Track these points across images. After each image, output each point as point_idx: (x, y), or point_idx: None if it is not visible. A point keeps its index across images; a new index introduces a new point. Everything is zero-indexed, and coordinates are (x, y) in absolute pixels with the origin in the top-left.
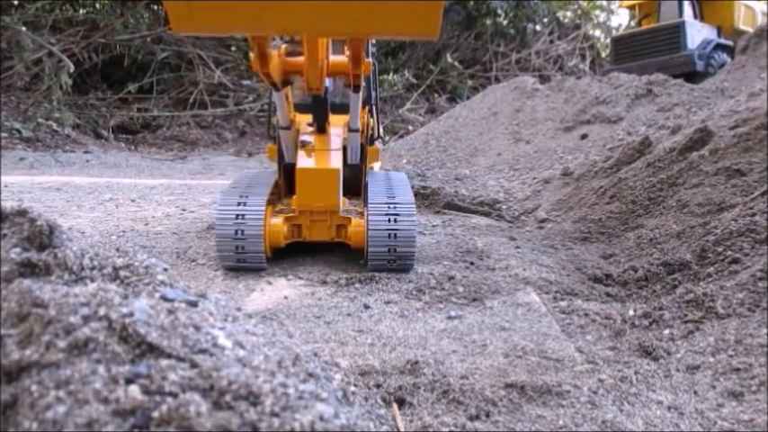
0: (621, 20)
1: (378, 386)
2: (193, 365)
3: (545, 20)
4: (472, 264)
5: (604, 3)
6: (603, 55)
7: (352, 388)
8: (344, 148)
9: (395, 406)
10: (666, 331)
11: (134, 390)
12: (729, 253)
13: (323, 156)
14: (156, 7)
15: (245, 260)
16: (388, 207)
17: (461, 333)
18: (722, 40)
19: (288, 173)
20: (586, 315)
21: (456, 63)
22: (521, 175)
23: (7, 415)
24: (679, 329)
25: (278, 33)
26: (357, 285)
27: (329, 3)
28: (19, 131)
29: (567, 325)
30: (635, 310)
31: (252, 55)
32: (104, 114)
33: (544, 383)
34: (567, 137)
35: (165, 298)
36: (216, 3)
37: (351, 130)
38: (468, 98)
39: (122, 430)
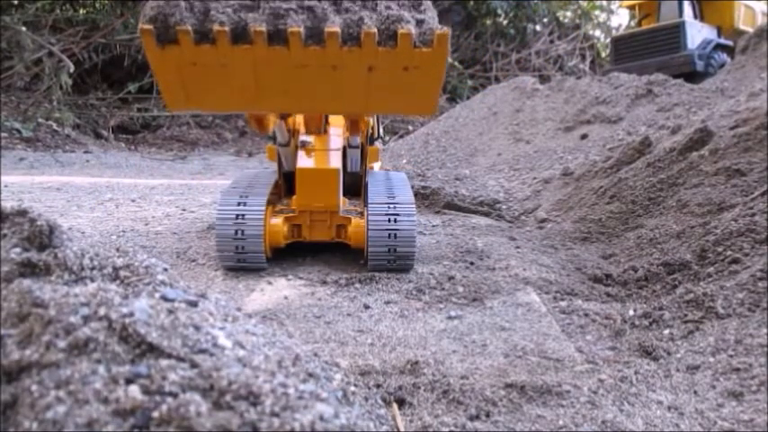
0: (621, 20)
1: (378, 386)
2: (193, 365)
3: (545, 20)
4: (472, 264)
5: (604, 3)
6: (603, 55)
7: (352, 388)
8: (344, 149)
9: (395, 406)
10: (666, 331)
11: (134, 390)
12: (729, 253)
13: (323, 156)
14: None
15: (245, 260)
16: (388, 207)
17: (461, 333)
18: (722, 40)
19: (287, 177)
20: (586, 315)
21: (456, 63)
22: (521, 175)
23: (7, 415)
24: (679, 329)
25: (276, 112)
26: (357, 285)
27: (329, 88)
28: (19, 131)
29: (567, 325)
30: (635, 310)
31: (247, 117)
32: (104, 114)
33: (544, 383)
34: (567, 137)
35: (165, 298)
36: (212, 87)
37: (351, 147)
38: (468, 98)
39: (122, 430)
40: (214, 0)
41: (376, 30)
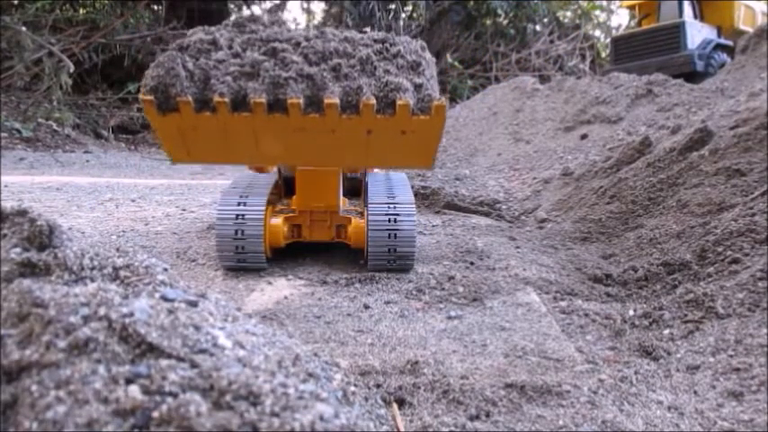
0: (621, 20)
1: (378, 386)
2: (193, 365)
3: (545, 20)
4: (472, 264)
5: (604, 3)
6: (603, 55)
7: (352, 388)
8: None
9: (395, 406)
10: (666, 331)
11: (134, 390)
12: (729, 253)
13: None
14: (156, 7)
15: (245, 260)
16: (388, 207)
17: (461, 333)
18: (722, 40)
19: (287, 180)
20: (586, 315)
21: (456, 63)
22: (521, 175)
23: (7, 415)
24: (679, 329)
25: (275, 165)
26: (357, 285)
27: (329, 146)
28: (19, 131)
29: (567, 325)
30: (635, 310)
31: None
32: (104, 114)
33: (544, 383)
34: (567, 137)
35: (165, 298)
36: (213, 145)
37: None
38: (468, 98)
39: (122, 430)
40: (214, 68)
41: (374, 100)
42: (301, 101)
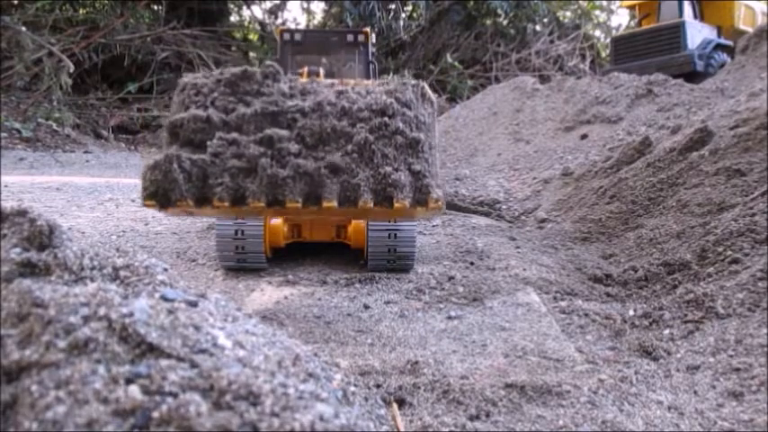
0: (621, 20)
1: (378, 386)
2: (193, 365)
3: (545, 20)
4: (472, 264)
5: (604, 3)
6: (603, 55)
7: (352, 388)
8: None
9: (395, 406)
10: (666, 331)
11: (134, 390)
12: (729, 253)
13: None
14: (156, 7)
15: (245, 260)
16: None
17: (461, 333)
18: (722, 40)
19: None
20: (586, 315)
21: (456, 63)
22: (521, 175)
23: (7, 415)
24: (679, 329)
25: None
26: (357, 285)
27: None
28: (19, 131)
29: (567, 325)
30: (635, 310)
31: None
32: (104, 114)
33: (544, 383)
34: (567, 137)
35: (165, 298)
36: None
37: None
38: (468, 98)
39: (122, 430)
40: (211, 164)
41: (372, 199)
42: (299, 202)
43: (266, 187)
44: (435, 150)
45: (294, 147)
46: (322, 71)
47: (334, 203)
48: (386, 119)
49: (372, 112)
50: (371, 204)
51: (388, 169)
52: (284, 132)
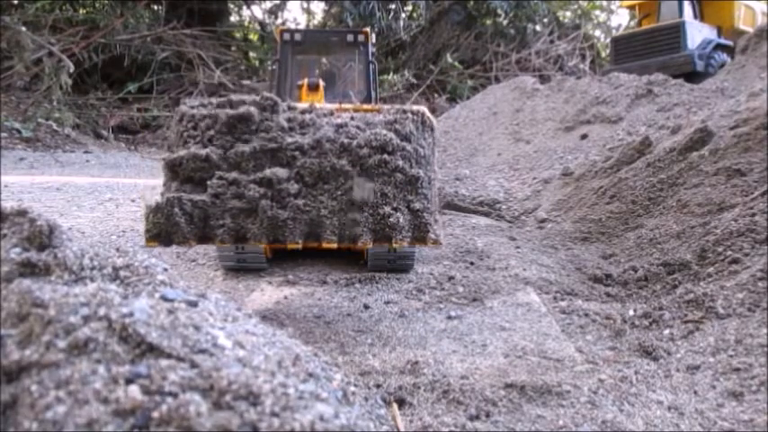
0: (621, 20)
1: (378, 386)
2: (193, 365)
3: (545, 20)
4: (472, 264)
5: (604, 3)
6: (603, 55)
7: (352, 388)
8: None
9: (395, 406)
10: (666, 331)
11: (134, 390)
12: (729, 253)
13: None
14: (156, 7)
15: (245, 260)
16: None
17: (461, 333)
18: (722, 40)
19: None
20: (586, 315)
21: (456, 63)
22: (521, 175)
23: (7, 415)
24: (679, 329)
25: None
26: (357, 285)
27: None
28: (19, 131)
29: (567, 325)
30: (635, 310)
31: None
32: (104, 114)
33: (544, 383)
34: (567, 137)
35: (165, 298)
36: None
37: None
38: (468, 98)
39: (122, 430)
40: (212, 204)
41: (371, 239)
42: (300, 242)
43: (267, 229)
44: (435, 181)
45: (294, 187)
46: (321, 83)
47: (334, 245)
48: (385, 156)
49: (372, 149)
50: (371, 244)
51: (387, 209)
52: (283, 172)
